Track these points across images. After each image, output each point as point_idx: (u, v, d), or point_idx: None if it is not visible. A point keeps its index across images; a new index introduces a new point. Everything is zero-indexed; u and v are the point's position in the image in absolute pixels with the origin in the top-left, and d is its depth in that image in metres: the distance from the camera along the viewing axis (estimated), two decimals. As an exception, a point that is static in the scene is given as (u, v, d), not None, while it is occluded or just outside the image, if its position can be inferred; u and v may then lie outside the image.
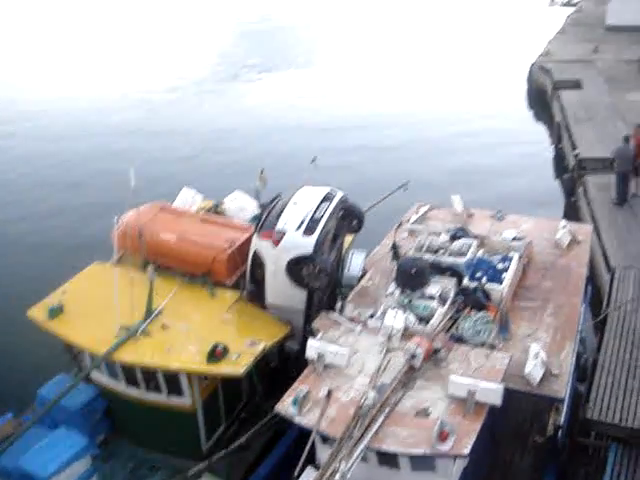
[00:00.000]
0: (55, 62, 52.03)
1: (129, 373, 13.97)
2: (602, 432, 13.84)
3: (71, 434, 14.09)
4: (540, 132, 32.17)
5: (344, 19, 58.09)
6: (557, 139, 29.21)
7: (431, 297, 13.31)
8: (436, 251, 14.83)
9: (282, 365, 14.78)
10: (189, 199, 18.19)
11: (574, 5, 51.15)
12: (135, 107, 39.50)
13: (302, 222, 13.99)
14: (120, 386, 14.37)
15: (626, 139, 21.53)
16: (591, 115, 28.86)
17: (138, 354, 13.46)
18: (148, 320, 13.98)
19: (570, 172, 25.21)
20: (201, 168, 29.02)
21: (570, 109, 29.74)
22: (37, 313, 14.78)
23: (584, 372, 15.36)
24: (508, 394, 11.01)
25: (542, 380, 11.59)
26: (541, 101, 34.58)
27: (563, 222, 16.23)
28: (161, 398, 13.97)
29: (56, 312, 14.57)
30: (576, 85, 32.80)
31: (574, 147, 26.10)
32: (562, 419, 12.76)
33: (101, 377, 14.67)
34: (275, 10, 63.08)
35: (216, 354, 13.00)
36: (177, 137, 33.70)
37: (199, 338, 13.54)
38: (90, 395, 14.71)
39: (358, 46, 49.83)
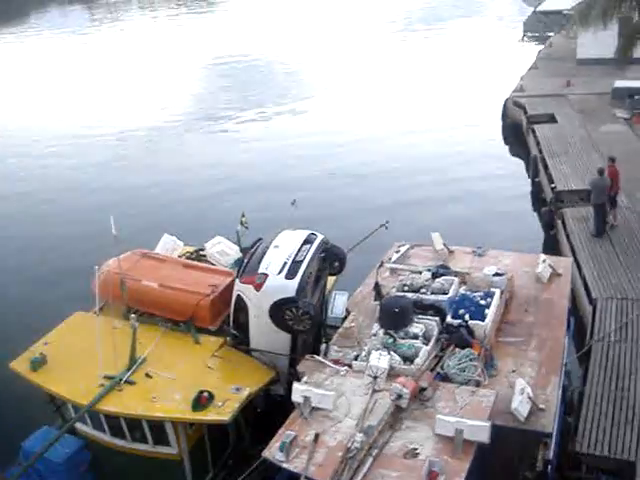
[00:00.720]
0: (20, 114, 51.90)
1: (114, 423, 13.85)
2: (592, 465, 13.85)
3: (56, 488, 13.93)
4: (517, 166, 32.48)
5: (322, 57, 58.63)
6: (534, 173, 29.51)
7: (415, 336, 13.31)
8: (418, 290, 14.85)
9: (268, 410, 14.69)
10: (170, 245, 18.24)
11: (545, 40, 52.05)
12: (114, 154, 39.52)
13: (284, 265, 14.04)
14: (105, 437, 14.24)
15: (600, 171, 21.82)
16: (566, 148, 29.25)
17: (122, 404, 13.36)
18: (132, 369, 13.91)
19: (548, 205, 25.45)
20: (181, 214, 29.02)
21: (545, 143, 30.13)
22: (20, 365, 14.70)
23: (571, 405, 15.39)
24: (496, 431, 10.98)
25: (529, 415, 11.62)
26: (517, 136, 34.98)
27: (543, 256, 16.35)
28: (147, 448, 13.84)
29: (39, 363, 14.48)
30: (550, 119, 33.28)
31: (551, 180, 26.39)
32: (551, 453, 12.71)
33: (85, 428, 14.54)
34: (250, 48, 63.62)
35: (201, 401, 12.94)
36: (156, 183, 33.70)
37: (184, 386, 13.48)
38: (75, 447, 14.54)
39: (337, 84, 50.20)
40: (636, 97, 32.72)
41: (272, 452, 11.03)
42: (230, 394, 13.27)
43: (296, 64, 57.59)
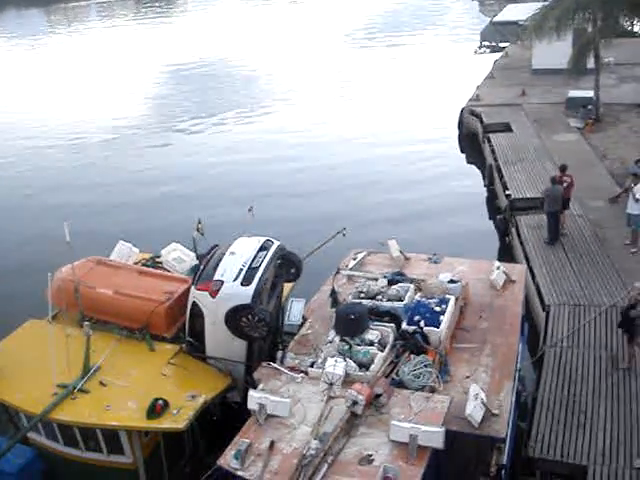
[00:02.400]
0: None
1: (67, 433, 13.71)
2: (545, 469, 14.04)
3: (8, 498, 13.72)
4: (473, 175, 32.80)
5: (281, 66, 58.64)
6: (489, 181, 29.87)
7: (371, 343, 13.36)
8: (374, 296, 14.91)
9: (225, 418, 14.63)
10: (125, 252, 18.11)
11: (501, 50, 52.72)
12: (69, 161, 39.07)
13: (240, 272, 14.05)
14: (59, 447, 14.08)
15: (553, 180, 22.18)
16: (521, 157, 29.66)
17: (76, 413, 13.23)
18: (85, 377, 13.79)
19: (503, 213, 25.78)
20: (137, 221, 28.76)
21: (500, 151, 30.52)
22: (-30, 374, 14.46)
23: (525, 410, 15.56)
24: (450, 436, 11.08)
25: (483, 420, 11.69)
26: (473, 144, 35.33)
27: (497, 263, 16.52)
28: (101, 457, 13.73)
29: (-10, 373, 14.26)
30: (506, 128, 33.69)
31: (505, 188, 26.73)
32: (505, 458, 12.87)
33: (39, 438, 14.37)
34: (210, 55, 63.43)
35: (156, 409, 12.86)
36: (112, 190, 33.37)
37: (138, 394, 13.38)
38: (28, 457, 14.41)
39: (294, 93, 50.13)
40: (589, 107, 33.32)
41: (227, 460, 10.98)
42: (185, 402, 13.22)
43: (255, 73, 57.49)
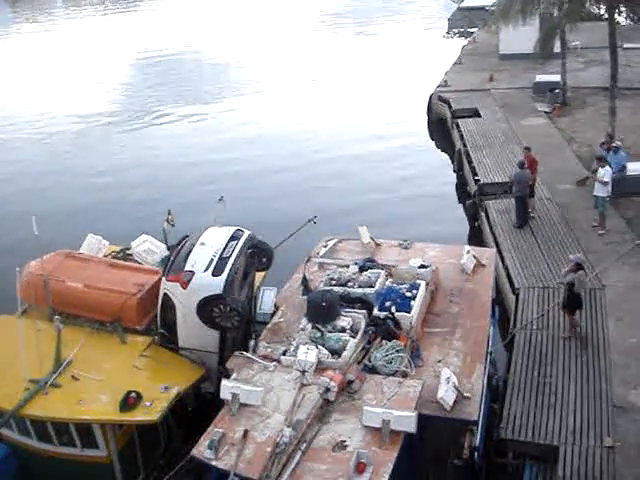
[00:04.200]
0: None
1: (40, 428, 13.64)
2: (517, 450, 14.21)
3: (-19, 496, 13.64)
4: (442, 160, 32.95)
5: (251, 54, 58.35)
6: (458, 166, 30.00)
7: (342, 329, 13.43)
8: (345, 283, 14.97)
9: (199, 408, 14.63)
10: (95, 245, 18.00)
11: (469, 36, 52.91)
12: (38, 153, 38.66)
13: (210, 262, 14.03)
14: (32, 442, 13.99)
15: (521, 164, 22.35)
16: (489, 142, 29.83)
17: (48, 408, 13.18)
18: (57, 372, 13.72)
19: (472, 198, 25.93)
20: (106, 213, 28.48)
21: (469, 137, 30.65)
22: (-62, 372, 14.33)
23: (497, 393, 15.71)
24: (423, 420, 11.20)
25: (455, 404, 11.85)
26: (442, 130, 35.45)
27: (467, 247, 16.66)
28: (75, 452, 13.68)
29: (-40, 370, 14.14)
30: (474, 113, 33.84)
31: (474, 173, 26.89)
32: (477, 441, 13.00)
33: (12, 434, 14.26)
34: (178, 45, 62.97)
35: (129, 402, 12.86)
36: (80, 182, 33.03)
37: (111, 387, 13.36)
38: (1, 454, 14.30)
39: (263, 81, 49.92)
40: (556, 91, 33.58)
41: (201, 450, 11.01)
42: (158, 393, 13.21)
43: (224, 62, 57.18)
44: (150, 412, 12.79)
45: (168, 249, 16.95)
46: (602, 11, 34.55)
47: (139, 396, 12.99)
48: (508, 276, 19.87)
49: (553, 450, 13.63)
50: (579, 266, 16.47)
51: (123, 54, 62.89)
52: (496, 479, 14.18)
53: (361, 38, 61.26)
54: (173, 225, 17.84)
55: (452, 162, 31.70)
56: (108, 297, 15.30)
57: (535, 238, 21.53)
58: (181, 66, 56.73)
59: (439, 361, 13.01)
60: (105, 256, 17.84)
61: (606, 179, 20.97)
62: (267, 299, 15.56)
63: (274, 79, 50.26)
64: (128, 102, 48.09)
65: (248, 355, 13.11)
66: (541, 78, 35.54)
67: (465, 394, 12.06)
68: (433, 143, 36.02)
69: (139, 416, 12.80)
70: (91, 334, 15.00)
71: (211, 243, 14.47)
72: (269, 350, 13.28)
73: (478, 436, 12.95)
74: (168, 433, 14.19)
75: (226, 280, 13.81)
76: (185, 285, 13.86)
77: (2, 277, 16.36)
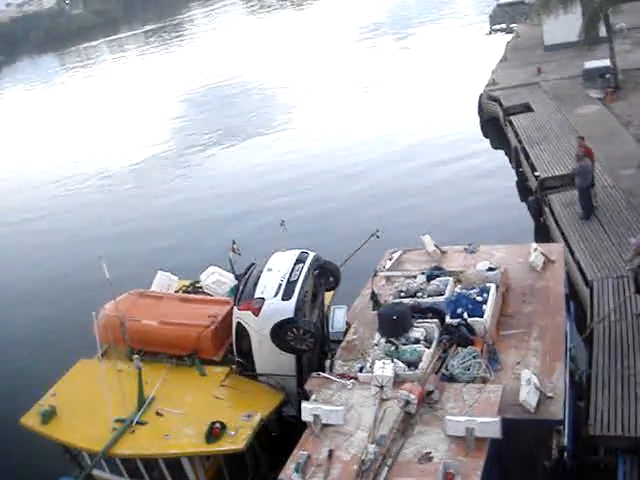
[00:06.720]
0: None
1: (130, 466, 13.93)
2: (608, 446, 13.91)
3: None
4: (499, 159, 32.62)
5: (296, 75, 58.79)
6: (516, 164, 29.66)
7: (416, 341, 13.38)
8: (414, 294, 14.92)
9: (283, 432, 14.72)
10: (165, 282, 18.32)
11: (511, 31, 52.36)
12: (96, 196, 39.80)
13: (279, 287, 14.13)
14: (123, 480, 14.27)
15: (579, 157, 22.01)
16: (545, 135, 29.41)
17: (136, 445, 13.45)
18: (141, 410, 13.99)
19: (534, 194, 25.58)
20: (172, 248, 29.06)
21: (524, 133, 30.28)
22: (29, 420, 14.83)
23: (581, 390, 15.42)
24: (507, 424, 11.04)
25: (538, 405, 11.66)
26: (495, 129, 35.11)
27: (534, 245, 16.40)
28: (167, 486, 13.87)
29: (49, 416, 14.61)
30: (526, 108, 33.42)
31: (534, 169, 26.53)
32: (565, 440, 12.79)
33: (103, 474, 14.58)
34: (223, 77, 63.85)
35: (214, 433, 13.03)
36: (144, 221, 33.83)
37: (195, 419, 13.57)
38: (94, 494, 14.59)
39: (313, 100, 50.33)
40: (607, 76, 32.92)
41: (288, 474, 11.06)
42: (242, 422, 13.35)
43: (271, 87, 57.74)
44: (235, 441, 12.93)
45: (236, 278, 17.13)
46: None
47: (223, 426, 13.15)
48: (580, 269, 19.50)
49: (646, 441, 13.30)
50: None
51: (172, 90, 64.14)
52: (589, 478, 13.90)
53: (404, 44, 61.16)
54: (239, 254, 18.02)
55: (510, 160, 31.34)
56: (183, 331, 15.53)
57: (603, 227, 21.11)
58: (231, 96, 57.45)
59: (518, 363, 12.81)
60: (176, 291, 18.17)
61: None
62: (338, 317, 15.60)
63: (321, 97, 50.57)
64: (180, 137, 49.12)
65: (325, 375, 13.16)
66: (590, 64, 34.84)
67: (548, 394, 11.86)
68: (488, 143, 35.66)
69: (225, 446, 12.95)
70: (170, 369, 15.26)
71: (278, 268, 14.60)
72: (345, 368, 13.32)
73: (566, 436, 12.77)
74: (255, 460, 14.29)
75: (296, 303, 13.89)
76: (257, 312, 13.98)
77: (79, 322, 16.76)
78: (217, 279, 17.83)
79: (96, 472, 14.59)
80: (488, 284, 14.50)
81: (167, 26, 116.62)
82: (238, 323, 14.48)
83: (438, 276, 15.45)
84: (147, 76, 75.33)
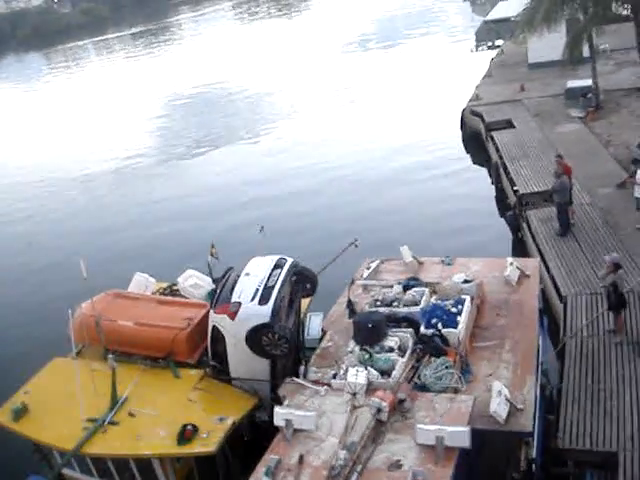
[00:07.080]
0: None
1: (101, 466, 13.90)
2: (576, 459, 14.06)
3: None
4: (479, 174, 32.86)
5: (281, 82, 59.01)
6: (496, 179, 29.92)
7: (390, 349, 13.51)
8: (390, 303, 15.06)
9: (255, 437, 14.75)
10: (143, 283, 18.34)
11: (497, 48, 52.86)
12: (79, 197, 39.63)
13: (256, 292, 14.21)
14: (93, 480, 14.23)
15: (557, 174, 22.30)
16: (525, 152, 29.71)
17: (107, 445, 13.42)
18: (114, 410, 13.97)
19: (512, 209, 25.83)
20: (151, 251, 29.03)
21: (504, 148, 30.58)
22: (1, 416, 14.74)
23: (551, 403, 15.59)
24: (477, 435, 11.18)
25: (508, 417, 11.81)
26: (477, 144, 35.41)
27: (510, 259, 16.62)
28: (136, 487, 13.85)
29: (21, 413, 14.55)
30: (508, 125, 33.77)
31: (513, 184, 26.79)
32: (534, 452, 12.94)
33: (73, 473, 14.53)
34: (209, 80, 63.95)
35: (186, 435, 13.04)
36: (123, 222, 33.79)
37: (167, 421, 13.57)
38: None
39: (296, 109, 50.61)
40: (589, 95, 33.32)
41: (258, 478, 11.12)
42: (214, 425, 13.37)
43: (255, 92, 57.99)
44: (207, 443, 12.95)
45: (214, 282, 17.19)
46: (628, 11, 34.27)
47: (195, 428, 13.17)
48: (554, 284, 19.73)
49: (613, 456, 13.47)
50: (617, 266, 16.35)
51: (156, 93, 64.28)
52: (556, 490, 14.07)
53: (390, 57, 61.59)
54: (217, 258, 18.09)
55: (489, 175, 31.62)
56: (159, 333, 15.53)
57: (579, 244, 21.38)
58: (214, 100, 57.72)
59: (489, 375, 12.98)
60: (153, 293, 18.17)
61: (645, 180, 20.78)
62: (314, 324, 15.69)
63: (305, 105, 50.91)
64: (162, 140, 49.21)
65: (299, 381, 13.25)
66: (573, 84, 35.30)
67: (518, 406, 12.01)
68: (469, 157, 35.96)
69: (197, 448, 12.97)
70: (145, 370, 15.26)
71: (255, 273, 14.69)
72: (319, 375, 13.41)
73: (535, 447, 12.91)
74: (226, 463, 14.29)
75: (273, 308, 13.96)
76: (233, 316, 14.04)
77: (54, 320, 16.74)
78: (195, 282, 17.85)
79: (66, 471, 14.55)
80: (463, 296, 14.66)
81: (155, 29, 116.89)
82: (214, 327, 14.53)
83: (414, 286, 15.61)
84: (133, 78, 75.31)
